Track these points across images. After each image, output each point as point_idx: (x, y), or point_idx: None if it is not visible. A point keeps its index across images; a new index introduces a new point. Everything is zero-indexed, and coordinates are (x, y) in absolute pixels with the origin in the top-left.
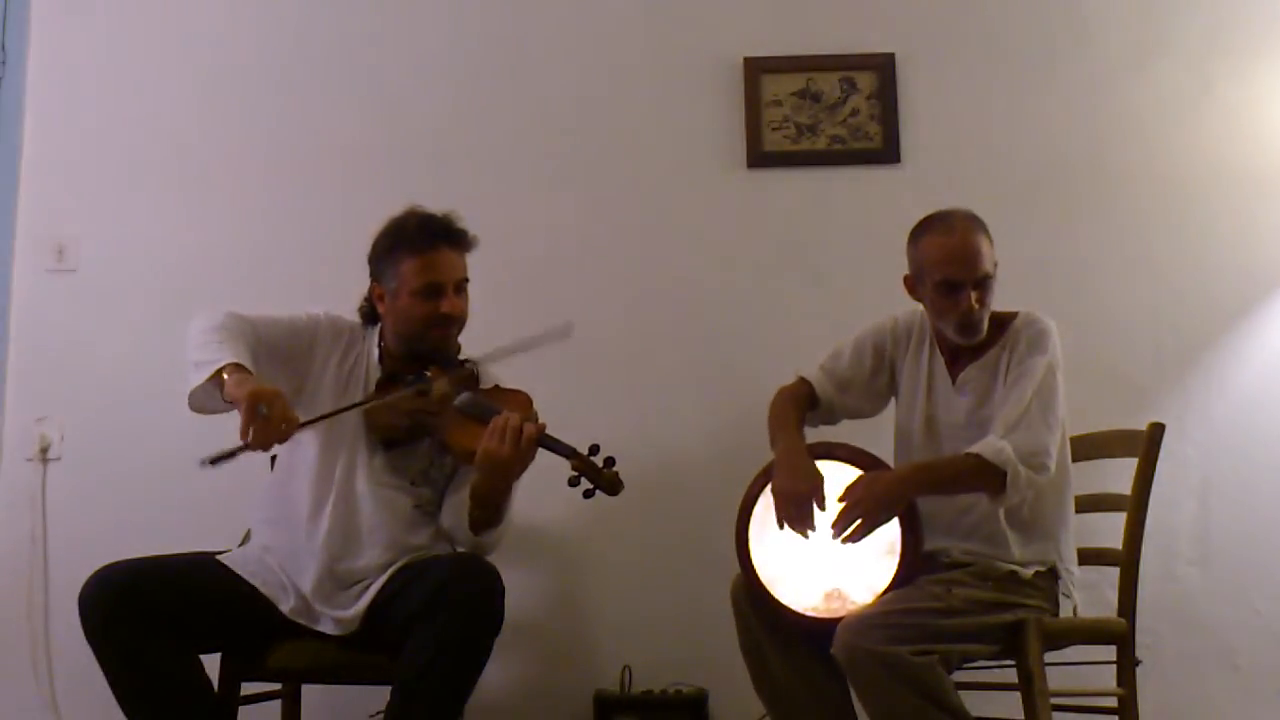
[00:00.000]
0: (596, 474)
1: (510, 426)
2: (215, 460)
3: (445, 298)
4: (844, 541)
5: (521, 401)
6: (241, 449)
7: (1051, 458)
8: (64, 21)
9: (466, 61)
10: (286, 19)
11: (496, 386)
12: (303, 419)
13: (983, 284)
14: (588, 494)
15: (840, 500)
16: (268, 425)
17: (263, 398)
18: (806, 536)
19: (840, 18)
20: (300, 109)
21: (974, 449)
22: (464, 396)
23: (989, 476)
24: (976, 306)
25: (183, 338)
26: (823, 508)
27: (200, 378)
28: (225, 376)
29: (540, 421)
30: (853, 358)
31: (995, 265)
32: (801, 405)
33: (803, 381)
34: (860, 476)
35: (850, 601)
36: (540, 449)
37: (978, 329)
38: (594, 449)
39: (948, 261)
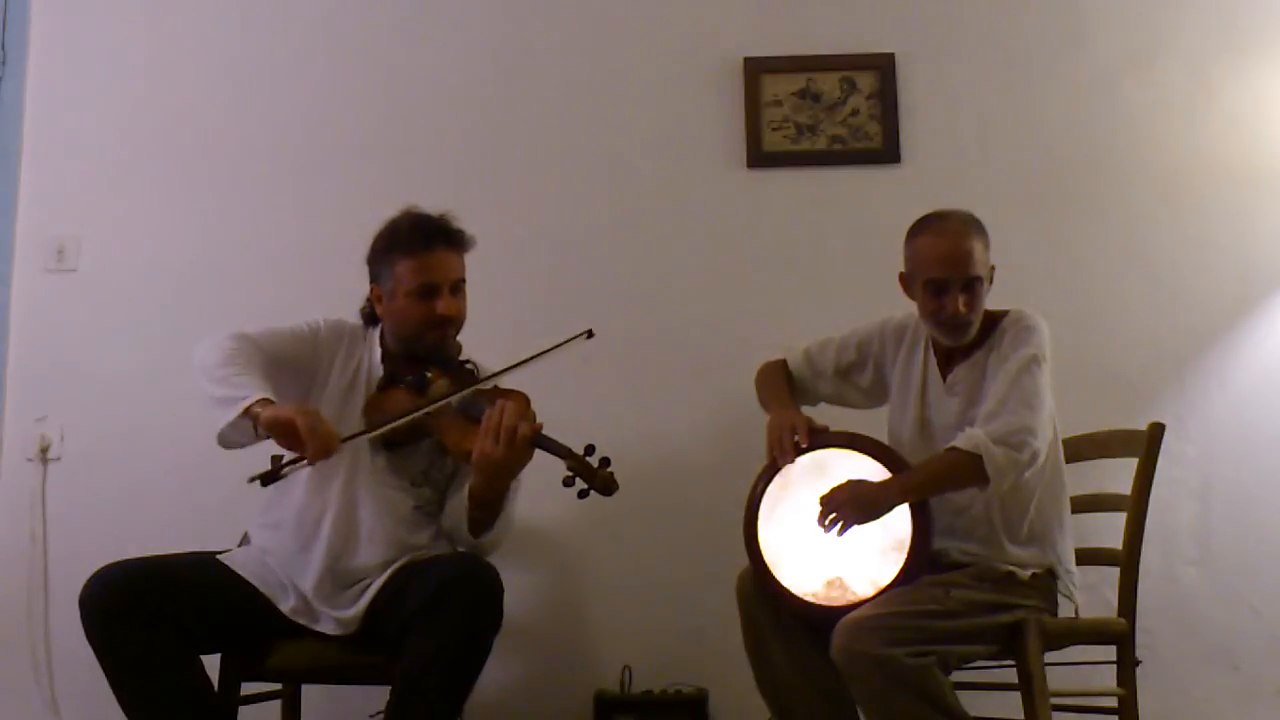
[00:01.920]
0: (591, 474)
1: (504, 427)
2: (266, 479)
3: (441, 298)
4: (825, 530)
5: (520, 402)
6: (293, 462)
7: (1034, 435)
8: (64, 21)
9: (469, 62)
10: (287, 18)
11: (496, 388)
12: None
13: (970, 287)
14: (582, 494)
15: (821, 500)
16: (316, 437)
17: (310, 412)
18: (791, 460)
19: (840, 18)
20: (301, 108)
21: (956, 442)
22: (462, 397)
23: (969, 467)
24: (963, 309)
25: (187, 353)
26: (805, 444)
27: (230, 415)
28: (259, 411)
29: (537, 422)
30: (836, 350)
31: (991, 269)
32: (788, 380)
33: (782, 361)
34: (847, 481)
35: (850, 591)
36: (536, 449)
37: (963, 331)
38: (589, 449)
39: (937, 261)
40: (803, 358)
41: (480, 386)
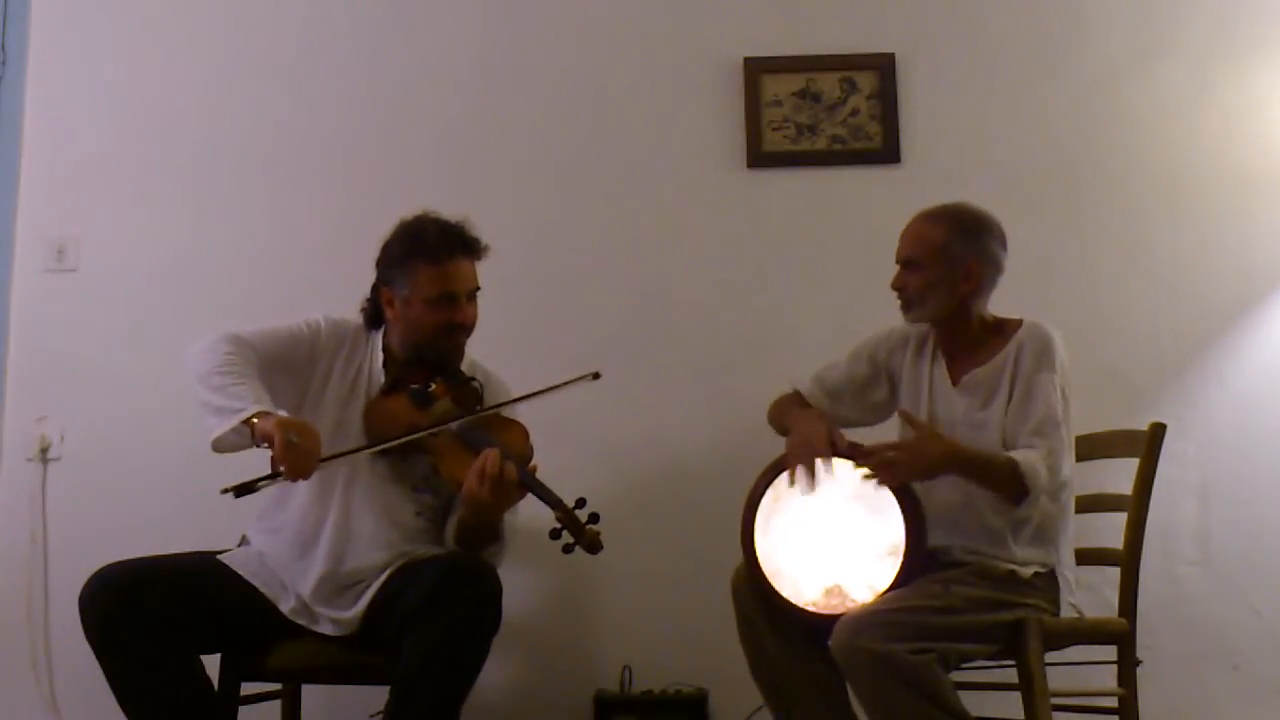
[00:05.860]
0: (579, 530)
1: (489, 472)
2: (240, 491)
3: (459, 307)
4: (865, 478)
5: (517, 436)
6: (271, 478)
7: (1068, 479)
8: (64, 21)
9: (467, 62)
10: (288, 18)
11: (497, 415)
12: (323, 451)
13: (909, 266)
14: (567, 549)
15: (887, 449)
16: (298, 451)
17: (292, 426)
18: (811, 482)
19: (840, 18)
20: (301, 109)
21: (1015, 456)
22: (461, 422)
23: (1013, 486)
24: (897, 285)
25: (182, 349)
26: (829, 460)
27: (226, 425)
28: (255, 422)
29: (532, 463)
30: (847, 368)
31: (969, 266)
32: (800, 405)
33: (794, 391)
34: (917, 435)
35: (850, 599)
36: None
37: (907, 308)
38: (580, 502)
39: (900, 240)
40: (814, 384)
41: (481, 414)
